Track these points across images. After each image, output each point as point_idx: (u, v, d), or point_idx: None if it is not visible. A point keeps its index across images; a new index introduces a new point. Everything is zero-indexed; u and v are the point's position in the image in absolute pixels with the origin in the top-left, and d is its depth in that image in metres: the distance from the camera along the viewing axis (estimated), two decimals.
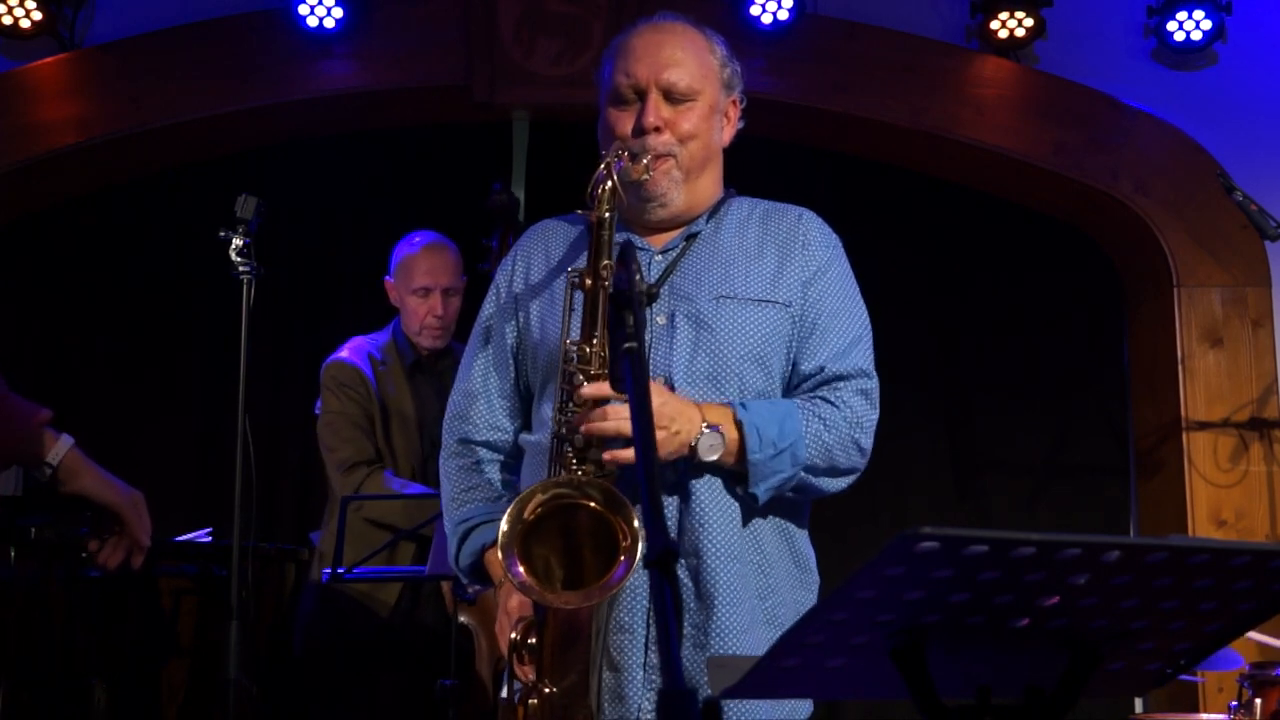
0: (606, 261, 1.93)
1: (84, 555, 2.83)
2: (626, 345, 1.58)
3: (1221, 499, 4.70)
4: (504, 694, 2.12)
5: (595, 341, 1.94)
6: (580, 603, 1.85)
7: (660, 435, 1.92)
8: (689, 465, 2.02)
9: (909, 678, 1.35)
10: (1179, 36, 4.82)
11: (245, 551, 2.96)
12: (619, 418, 1.89)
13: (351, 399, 3.79)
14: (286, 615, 3.96)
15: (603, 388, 1.91)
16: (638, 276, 1.71)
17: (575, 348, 1.96)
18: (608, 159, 1.99)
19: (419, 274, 3.85)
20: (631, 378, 1.55)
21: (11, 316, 5.11)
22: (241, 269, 3.09)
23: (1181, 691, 4.43)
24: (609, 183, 1.95)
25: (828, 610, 1.30)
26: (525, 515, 1.87)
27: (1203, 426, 4.73)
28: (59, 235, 5.16)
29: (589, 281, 1.94)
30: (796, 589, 2.12)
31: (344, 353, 3.87)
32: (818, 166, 5.13)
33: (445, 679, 3.43)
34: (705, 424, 1.96)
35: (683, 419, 1.95)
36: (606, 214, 1.95)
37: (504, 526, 1.86)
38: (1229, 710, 3.40)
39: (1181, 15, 4.80)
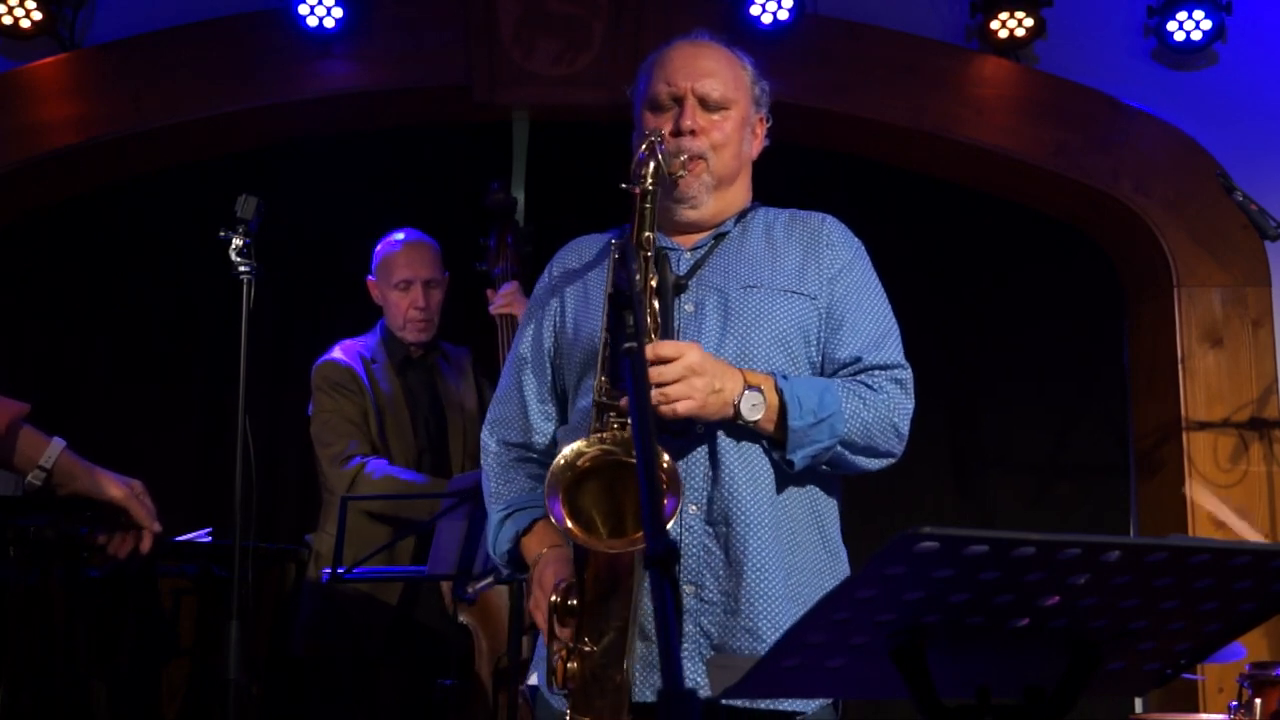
0: (648, 234, 2.02)
1: (85, 555, 2.83)
2: (627, 346, 1.59)
3: (1221, 499, 4.70)
4: (531, 681, 2.14)
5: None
6: (624, 548, 1.88)
7: (703, 390, 1.99)
8: (722, 433, 2.07)
9: (909, 678, 1.35)
10: (1179, 36, 4.82)
11: (245, 551, 2.96)
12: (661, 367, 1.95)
13: (345, 397, 3.82)
14: (286, 615, 3.96)
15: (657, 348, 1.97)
16: (638, 275, 1.72)
17: None
18: (650, 139, 2.08)
19: (399, 268, 3.91)
20: (632, 378, 1.55)
21: (11, 316, 5.11)
22: (241, 269, 3.09)
23: (1181, 691, 4.43)
24: (652, 162, 2.04)
25: (828, 610, 1.30)
26: (578, 464, 1.92)
27: (1203, 426, 4.73)
28: (59, 235, 5.16)
29: None
30: (823, 574, 2.14)
31: (335, 353, 3.92)
32: (818, 166, 5.12)
33: (445, 679, 3.43)
34: (747, 385, 2.02)
35: (726, 378, 2.02)
36: (651, 187, 2.03)
37: (553, 470, 1.91)
38: (1229, 710, 3.40)
39: (1181, 15, 4.79)
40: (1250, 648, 3.98)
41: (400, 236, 3.99)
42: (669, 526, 1.85)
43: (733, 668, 1.43)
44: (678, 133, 2.17)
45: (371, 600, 3.79)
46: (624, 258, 1.86)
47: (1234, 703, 3.39)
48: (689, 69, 2.21)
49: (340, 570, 3.35)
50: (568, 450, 1.94)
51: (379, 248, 4.01)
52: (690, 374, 1.97)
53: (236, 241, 3.09)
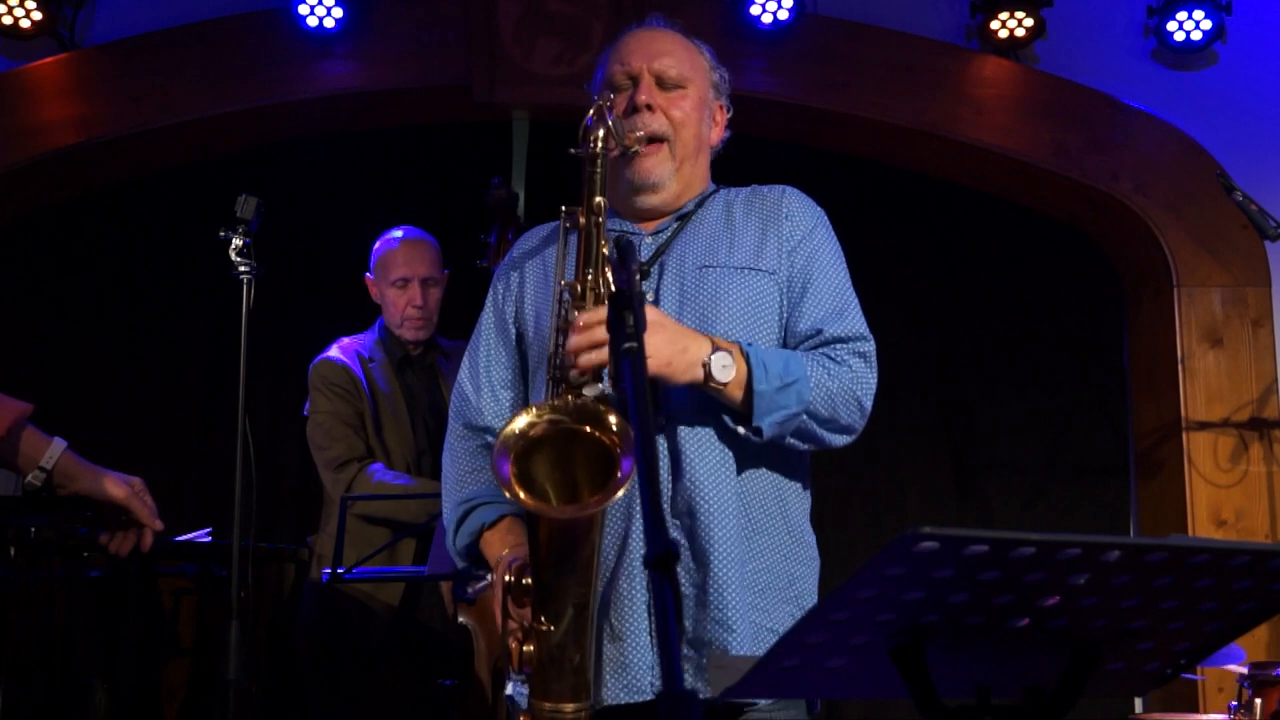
0: (599, 199, 1.96)
1: (85, 555, 2.83)
2: (626, 345, 1.58)
3: (1221, 499, 4.70)
4: (507, 691, 2.11)
5: (589, 276, 1.97)
6: (574, 513, 1.83)
7: (666, 347, 1.94)
8: (680, 425, 2.03)
9: (909, 678, 1.35)
10: (1179, 36, 4.83)
11: (245, 551, 2.96)
12: (593, 330, 1.89)
13: (341, 397, 3.80)
14: (286, 615, 3.96)
15: (596, 315, 1.90)
16: (637, 276, 1.72)
17: (567, 286, 1.99)
18: (599, 103, 2.03)
19: (397, 265, 3.89)
20: (631, 378, 1.55)
21: (11, 316, 5.11)
22: (241, 269, 3.09)
23: (1181, 691, 4.43)
24: (601, 128, 2.00)
25: (828, 610, 1.30)
26: (530, 434, 1.84)
27: (1203, 426, 4.73)
28: (59, 235, 5.16)
29: (582, 219, 1.96)
30: (788, 559, 2.11)
31: (332, 352, 3.89)
32: (818, 166, 5.12)
33: (445, 679, 3.43)
34: (715, 347, 1.99)
35: (691, 338, 1.98)
36: (600, 150, 1.98)
37: (504, 434, 1.83)
38: (1229, 710, 3.40)
39: (1181, 15, 4.80)
40: (1250, 648, 3.98)
41: (399, 234, 3.98)
42: (621, 493, 1.78)
43: (732, 668, 1.43)
44: (634, 110, 2.13)
45: (371, 600, 3.78)
46: (624, 256, 1.84)
47: (1234, 703, 3.39)
48: (644, 50, 2.19)
49: (340, 570, 3.35)
50: (520, 420, 1.85)
51: (377, 245, 4.00)
52: (652, 329, 1.89)
53: (236, 241, 3.09)
